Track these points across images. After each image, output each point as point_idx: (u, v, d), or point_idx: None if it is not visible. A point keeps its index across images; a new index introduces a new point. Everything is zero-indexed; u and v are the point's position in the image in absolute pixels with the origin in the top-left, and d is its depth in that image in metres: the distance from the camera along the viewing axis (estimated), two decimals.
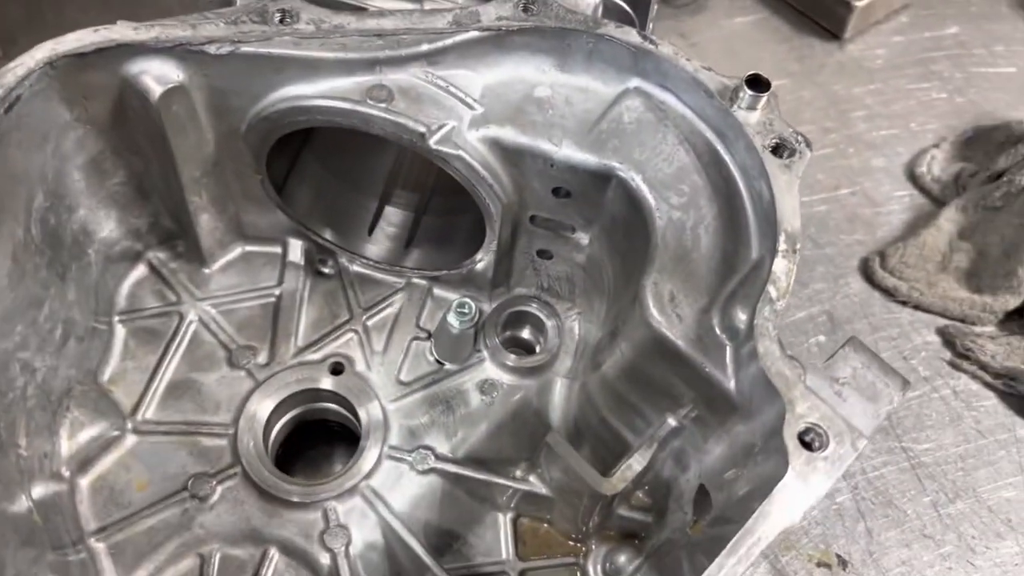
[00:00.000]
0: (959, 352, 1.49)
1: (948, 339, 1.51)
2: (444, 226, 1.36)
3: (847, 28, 1.92)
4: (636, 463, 1.08)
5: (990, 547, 1.31)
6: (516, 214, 1.17)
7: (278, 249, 1.32)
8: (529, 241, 1.23)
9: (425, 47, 1.06)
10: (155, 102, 1.02)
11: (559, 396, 1.27)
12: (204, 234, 1.25)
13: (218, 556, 1.12)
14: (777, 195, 0.99)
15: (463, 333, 1.24)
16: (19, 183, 1.00)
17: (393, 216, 1.36)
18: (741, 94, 1.04)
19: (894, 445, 1.40)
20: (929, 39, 1.96)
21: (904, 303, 1.55)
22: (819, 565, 1.28)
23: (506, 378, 1.27)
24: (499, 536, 1.20)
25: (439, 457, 1.19)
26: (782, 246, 0.95)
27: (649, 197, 1.06)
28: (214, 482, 1.15)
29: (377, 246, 1.35)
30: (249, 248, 1.32)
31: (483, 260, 1.22)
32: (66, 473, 1.10)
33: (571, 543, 1.21)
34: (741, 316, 0.95)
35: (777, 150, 1.02)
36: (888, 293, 1.56)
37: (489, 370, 1.27)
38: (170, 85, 1.02)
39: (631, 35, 1.08)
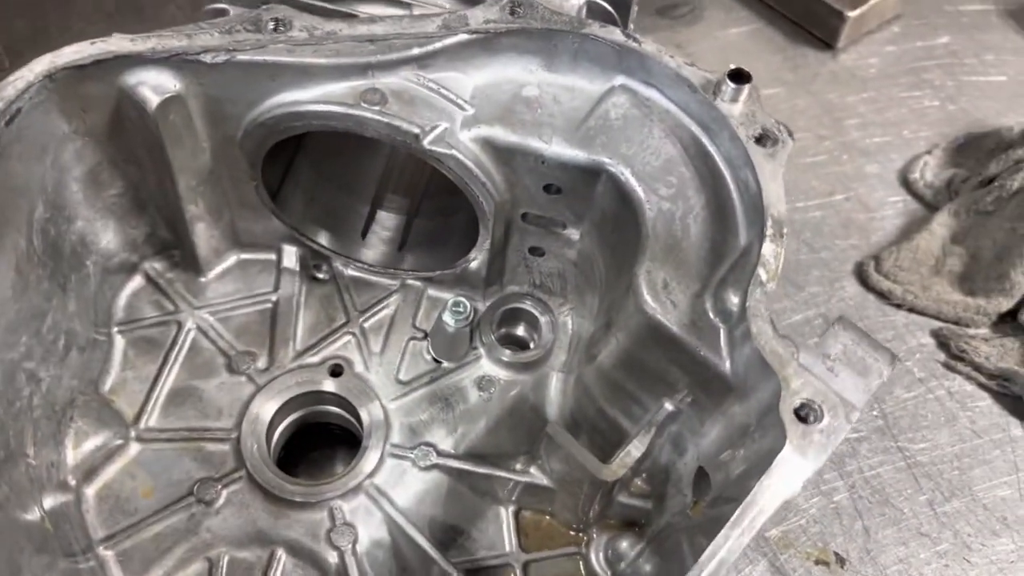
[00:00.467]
0: (953, 354, 1.51)
1: (942, 341, 1.53)
2: (436, 228, 1.39)
3: (840, 38, 1.95)
4: (635, 449, 1.11)
5: (986, 545, 1.33)
6: (508, 212, 1.20)
7: (273, 256, 1.34)
8: (521, 239, 1.26)
9: (416, 51, 1.09)
10: (152, 112, 1.04)
11: (555, 390, 1.30)
12: (200, 243, 1.26)
13: (226, 559, 1.13)
14: (763, 183, 1.02)
15: (459, 331, 1.26)
16: (21, 195, 1.01)
17: (386, 220, 1.39)
18: (724, 87, 1.08)
19: (890, 445, 1.42)
20: (921, 48, 2.00)
21: (898, 306, 1.57)
22: (817, 563, 1.29)
23: (503, 374, 1.29)
24: (502, 529, 1.22)
25: (441, 453, 1.21)
26: (769, 231, 0.99)
27: (638, 189, 1.09)
28: (219, 486, 1.16)
29: (371, 250, 1.37)
30: (244, 256, 1.34)
31: (477, 259, 1.24)
32: (72, 482, 1.11)
33: (572, 533, 1.23)
34: (733, 299, 0.99)
35: (761, 140, 1.06)
36: (883, 296, 1.58)
37: (486, 367, 1.30)
38: (167, 95, 1.04)
39: (615, 34, 1.11)
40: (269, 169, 1.21)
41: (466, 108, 1.11)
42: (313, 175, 1.34)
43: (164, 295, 1.30)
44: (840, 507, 1.35)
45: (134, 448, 1.18)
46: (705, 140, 1.11)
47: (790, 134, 1.07)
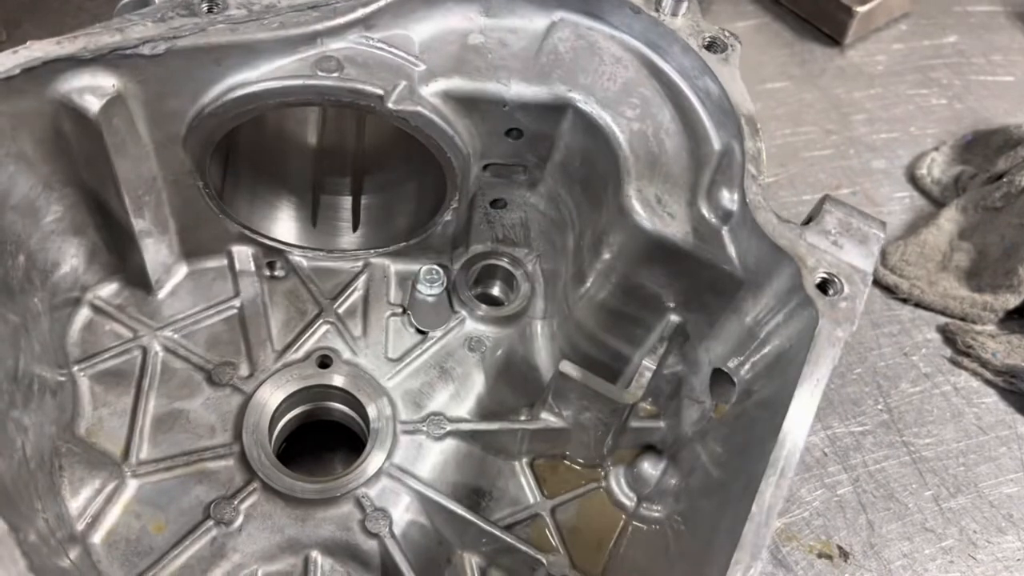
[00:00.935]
0: (960, 350, 1.50)
1: (949, 337, 1.53)
2: (385, 202, 1.35)
3: (848, 34, 1.95)
4: (647, 368, 1.14)
5: (991, 542, 1.31)
6: (472, 167, 1.18)
7: (224, 261, 1.27)
8: (483, 192, 1.25)
9: (360, 12, 1.05)
10: (95, 117, 0.96)
11: (542, 336, 1.30)
12: (149, 259, 1.18)
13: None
14: (725, 86, 1.06)
15: (438, 299, 1.24)
16: None
17: (334, 203, 1.34)
18: (664, 3, 1.10)
19: (895, 439, 1.40)
20: (929, 47, 2.00)
21: (905, 300, 1.57)
22: (820, 556, 1.28)
23: (489, 331, 1.28)
24: (521, 483, 1.22)
25: (451, 420, 1.19)
26: (746, 129, 1.02)
27: (605, 115, 1.10)
28: (235, 503, 1.09)
29: (326, 236, 1.32)
30: (194, 266, 1.26)
31: (448, 219, 1.22)
32: (79, 535, 1.02)
33: (589, 470, 1.24)
34: (728, 197, 1.02)
35: (711, 47, 1.09)
36: (889, 290, 1.58)
37: (471, 327, 1.28)
38: (108, 97, 0.96)
39: None
40: (209, 171, 1.15)
41: (418, 64, 1.09)
42: (251, 171, 1.28)
43: (118, 323, 1.21)
44: (844, 500, 1.34)
45: (132, 485, 1.09)
46: (655, 57, 1.13)
47: (737, 39, 1.11)
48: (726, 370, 1.07)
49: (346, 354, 1.23)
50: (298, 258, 1.29)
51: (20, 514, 0.86)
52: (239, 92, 1.03)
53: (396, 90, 1.05)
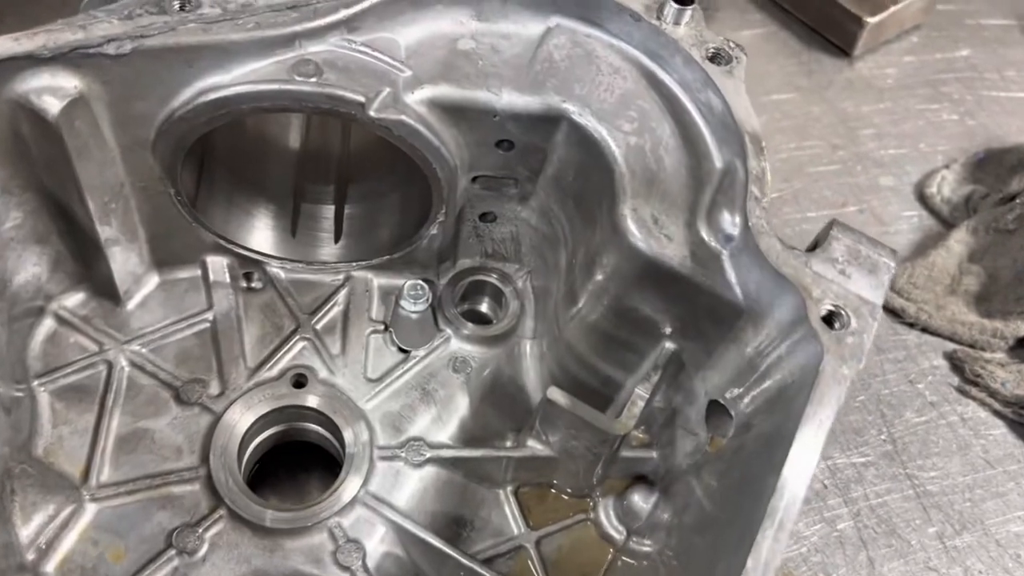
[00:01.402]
0: (968, 378, 1.44)
1: (956, 364, 1.46)
2: (368, 213, 1.29)
3: (857, 45, 1.89)
4: (640, 397, 1.07)
5: None
6: (459, 179, 1.12)
7: (197, 271, 1.21)
8: (472, 205, 1.19)
9: (343, 13, 0.99)
10: (54, 120, 0.90)
11: (531, 357, 1.24)
12: (117, 269, 1.12)
13: None
14: (729, 101, 1.00)
15: (422, 316, 1.18)
16: None
17: (315, 213, 1.28)
18: (666, 11, 1.04)
19: (899, 471, 1.34)
20: (940, 60, 1.94)
21: (911, 325, 1.51)
22: None
23: (475, 351, 1.23)
24: (505, 512, 1.16)
25: (432, 446, 1.13)
26: (750, 147, 0.96)
27: (601, 129, 1.04)
28: (199, 531, 1.03)
29: (305, 247, 1.26)
30: (166, 276, 1.20)
31: (434, 233, 1.16)
32: (29, 564, 0.96)
33: (577, 500, 1.18)
34: (729, 219, 0.95)
35: (715, 59, 1.03)
36: (895, 314, 1.51)
37: (456, 347, 1.22)
38: (69, 98, 0.90)
39: None
40: (181, 177, 1.09)
41: (404, 70, 1.03)
42: (228, 177, 1.22)
43: (83, 335, 1.14)
44: (844, 536, 1.28)
45: (90, 510, 1.03)
46: (655, 68, 1.07)
47: (743, 51, 1.04)
48: (723, 402, 1.01)
49: (323, 373, 1.17)
50: (276, 270, 1.23)
51: None
52: (211, 96, 0.96)
53: (379, 97, 0.99)
